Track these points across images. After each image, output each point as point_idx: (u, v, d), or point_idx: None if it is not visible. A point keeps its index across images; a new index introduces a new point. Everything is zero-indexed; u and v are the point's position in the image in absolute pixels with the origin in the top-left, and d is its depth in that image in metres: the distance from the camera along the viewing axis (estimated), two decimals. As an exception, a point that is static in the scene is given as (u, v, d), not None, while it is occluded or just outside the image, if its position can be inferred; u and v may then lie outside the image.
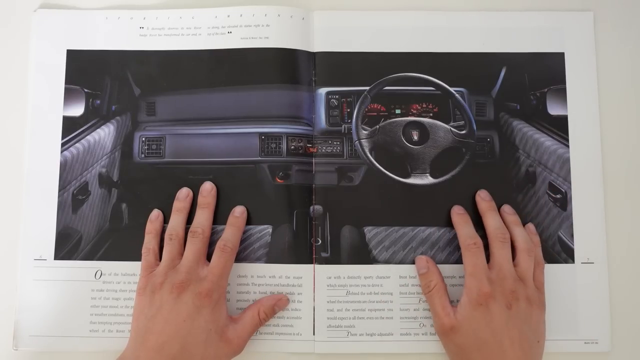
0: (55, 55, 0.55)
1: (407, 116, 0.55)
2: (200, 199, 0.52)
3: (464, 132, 0.54)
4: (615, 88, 0.55)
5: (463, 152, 0.54)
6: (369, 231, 0.53)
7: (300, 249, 0.53)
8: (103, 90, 0.55)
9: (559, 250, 0.53)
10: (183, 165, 0.54)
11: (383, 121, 0.55)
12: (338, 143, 0.54)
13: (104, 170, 0.54)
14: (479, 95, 0.55)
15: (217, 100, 0.55)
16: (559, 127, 0.54)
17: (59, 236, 0.53)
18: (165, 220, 0.53)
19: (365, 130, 0.55)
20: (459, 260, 0.52)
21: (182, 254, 0.50)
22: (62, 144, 0.54)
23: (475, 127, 0.54)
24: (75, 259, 0.53)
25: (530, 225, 0.53)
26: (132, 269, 0.53)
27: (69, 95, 0.55)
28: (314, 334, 0.52)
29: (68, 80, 0.55)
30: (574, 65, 0.55)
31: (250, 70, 0.54)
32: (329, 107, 0.55)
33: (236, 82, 0.55)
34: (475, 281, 0.48)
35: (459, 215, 0.52)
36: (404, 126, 0.55)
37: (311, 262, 0.52)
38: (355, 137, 0.54)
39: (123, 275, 0.53)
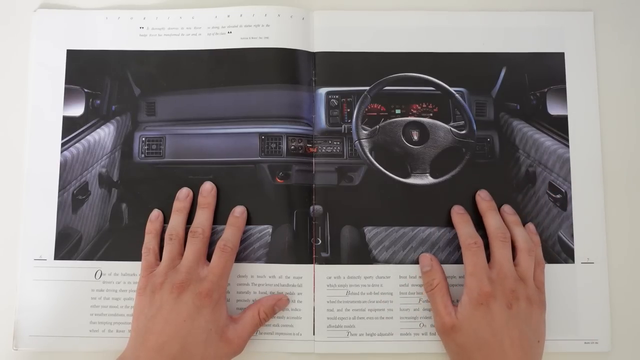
0: (55, 55, 0.55)
1: (407, 116, 0.55)
2: (200, 199, 0.53)
3: (464, 132, 0.54)
4: (615, 88, 0.55)
5: (463, 152, 0.54)
6: (369, 231, 0.53)
7: (300, 249, 0.53)
8: (103, 90, 0.55)
9: (559, 250, 0.53)
10: (183, 165, 0.54)
11: (383, 121, 0.55)
12: (338, 143, 0.54)
13: (104, 170, 0.54)
14: (479, 95, 0.55)
15: (217, 100, 0.55)
16: (559, 127, 0.54)
17: (59, 236, 0.53)
18: (165, 220, 0.53)
19: (365, 130, 0.55)
20: (459, 260, 0.52)
21: (182, 254, 0.50)
22: (62, 144, 0.54)
23: (475, 127, 0.54)
24: (75, 259, 0.53)
25: (530, 225, 0.53)
26: (132, 269, 0.53)
27: (69, 95, 0.55)
28: (314, 334, 0.52)
29: (68, 80, 0.55)
30: (574, 65, 0.55)
31: (250, 70, 0.54)
32: (329, 107, 0.55)
33: (236, 82, 0.55)
34: (476, 281, 0.48)
35: (459, 215, 0.52)
36: (404, 126, 0.55)
37: (311, 262, 0.52)
38: (355, 137, 0.54)
39: (123, 275, 0.53)
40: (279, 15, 0.55)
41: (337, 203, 0.53)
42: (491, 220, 0.51)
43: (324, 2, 0.56)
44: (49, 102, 0.55)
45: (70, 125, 0.54)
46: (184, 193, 0.53)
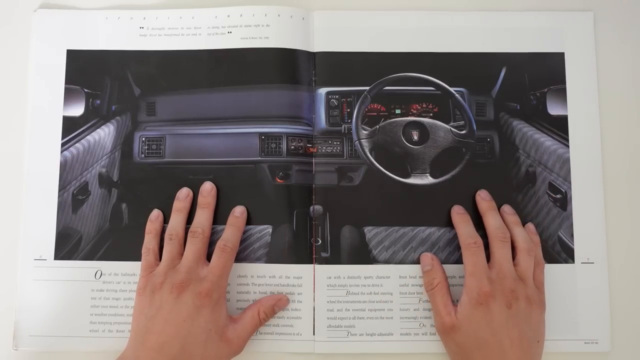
0: (55, 55, 0.55)
1: (407, 116, 0.55)
2: (200, 199, 0.53)
3: (464, 132, 0.54)
4: (615, 88, 0.55)
5: (463, 152, 0.54)
6: (369, 231, 0.53)
7: (300, 249, 0.53)
8: (103, 90, 0.55)
9: (559, 250, 0.53)
10: (183, 165, 0.54)
11: (383, 121, 0.55)
12: (338, 143, 0.54)
13: (104, 170, 0.54)
14: (479, 95, 0.55)
15: (217, 100, 0.55)
16: (559, 127, 0.54)
17: (59, 236, 0.53)
18: (165, 220, 0.53)
19: (365, 130, 0.55)
20: (459, 260, 0.52)
21: (182, 254, 0.50)
22: (62, 144, 0.54)
23: (475, 127, 0.54)
24: (75, 259, 0.53)
25: (530, 225, 0.53)
26: (132, 269, 0.53)
27: (69, 95, 0.55)
28: (314, 334, 0.52)
29: (68, 80, 0.55)
30: (574, 65, 0.55)
31: (250, 70, 0.54)
32: (329, 107, 0.55)
33: (236, 82, 0.55)
34: (476, 280, 0.48)
35: (459, 215, 0.52)
36: (404, 126, 0.55)
37: (311, 262, 0.52)
38: (355, 137, 0.54)
39: (123, 275, 0.53)
40: (279, 15, 0.55)
41: (337, 203, 0.53)
42: (491, 220, 0.51)
43: (324, 2, 0.56)
44: (49, 102, 0.55)
45: (70, 125, 0.54)
46: (184, 193, 0.53)
